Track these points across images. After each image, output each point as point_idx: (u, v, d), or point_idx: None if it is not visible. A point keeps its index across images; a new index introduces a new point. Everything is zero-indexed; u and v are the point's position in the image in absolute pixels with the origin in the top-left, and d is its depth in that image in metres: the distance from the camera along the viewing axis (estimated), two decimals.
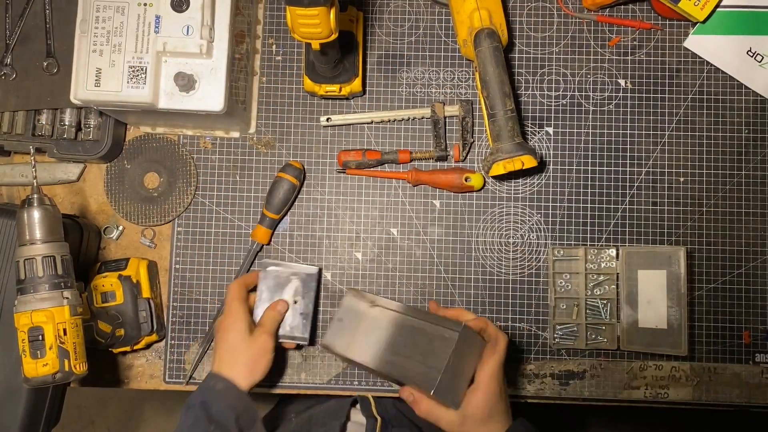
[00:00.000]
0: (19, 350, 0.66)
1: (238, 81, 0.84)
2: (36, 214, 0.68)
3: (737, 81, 0.89)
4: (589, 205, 0.89)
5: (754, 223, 0.88)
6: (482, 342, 0.74)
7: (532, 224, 0.89)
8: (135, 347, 0.86)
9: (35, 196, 0.69)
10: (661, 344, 0.82)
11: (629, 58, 0.90)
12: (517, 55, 0.91)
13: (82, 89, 0.76)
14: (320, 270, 0.88)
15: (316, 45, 0.72)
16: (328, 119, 0.89)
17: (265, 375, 0.77)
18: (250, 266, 0.89)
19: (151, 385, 0.89)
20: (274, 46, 0.92)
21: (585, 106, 0.90)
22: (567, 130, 0.90)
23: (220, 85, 0.78)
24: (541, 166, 0.89)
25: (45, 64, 0.86)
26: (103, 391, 1.81)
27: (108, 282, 0.83)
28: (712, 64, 0.89)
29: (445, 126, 0.88)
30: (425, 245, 0.89)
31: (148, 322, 0.84)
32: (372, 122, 0.90)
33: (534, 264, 0.89)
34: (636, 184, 0.89)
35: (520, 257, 0.89)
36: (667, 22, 0.90)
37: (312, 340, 0.87)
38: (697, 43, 0.88)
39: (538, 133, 0.90)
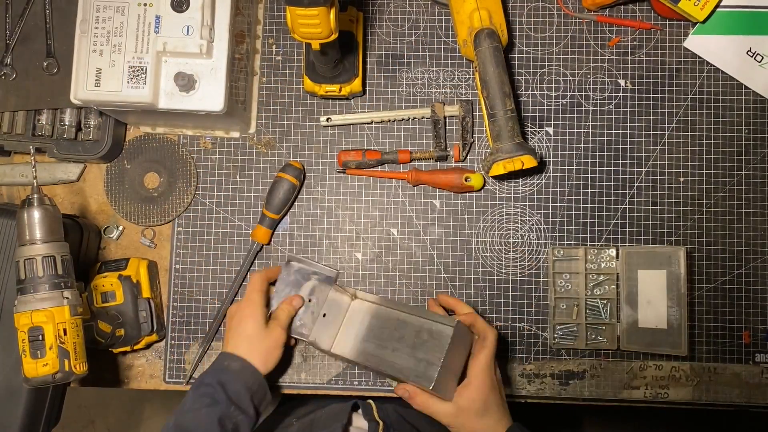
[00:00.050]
0: (19, 350, 0.66)
1: (238, 81, 0.84)
2: (36, 214, 0.68)
3: (737, 81, 0.89)
4: (589, 205, 0.89)
5: (754, 223, 0.88)
6: (472, 336, 0.77)
7: (532, 224, 0.89)
8: (135, 347, 0.86)
9: (35, 196, 0.69)
10: (661, 344, 0.82)
11: (629, 58, 0.90)
12: (517, 55, 0.91)
13: (82, 89, 0.76)
14: (338, 273, 0.88)
15: (316, 45, 0.72)
16: (328, 119, 0.89)
17: (274, 367, 0.79)
18: (250, 266, 0.89)
19: (151, 385, 0.89)
20: (274, 46, 0.92)
21: (585, 106, 0.90)
22: (567, 130, 0.90)
23: (220, 85, 0.78)
24: (541, 166, 0.89)
25: (45, 64, 0.86)
26: (103, 391, 1.81)
27: (108, 282, 0.83)
28: (712, 64, 0.89)
29: (445, 126, 0.88)
30: (425, 245, 0.89)
31: (148, 322, 0.84)
32: (372, 122, 0.90)
33: (534, 264, 0.89)
34: (636, 184, 0.89)
35: (520, 257, 0.89)
36: (667, 22, 0.90)
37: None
38: (697, 43, 0.89)
39: (538, 133, 0.90)
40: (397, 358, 0.77)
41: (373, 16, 0.91)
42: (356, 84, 0.86)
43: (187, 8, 0.76)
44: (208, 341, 0.88)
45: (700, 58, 0.89)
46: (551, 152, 0.89)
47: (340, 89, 0.86)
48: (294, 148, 0.91)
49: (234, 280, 0.88)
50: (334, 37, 0.71)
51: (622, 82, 0.90)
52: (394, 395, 0.87)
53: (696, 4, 0.84)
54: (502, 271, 0.89)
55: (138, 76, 0.76)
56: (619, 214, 0.88)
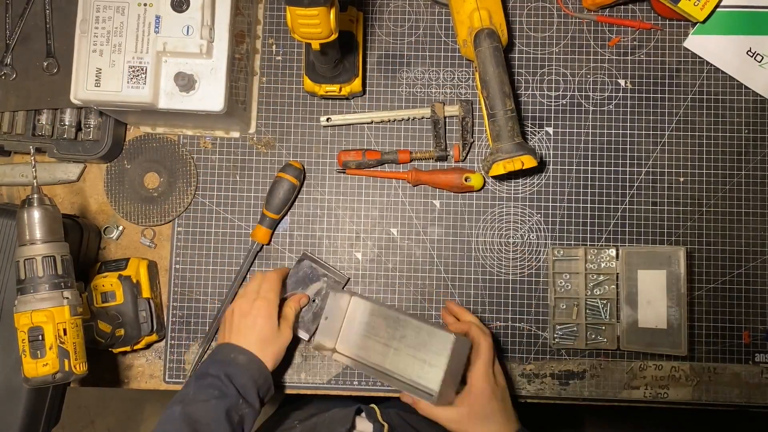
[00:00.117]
0: (19, 350, 0.66)
1: (238, 81, 0.84)
2: (36, 214, 0.68)
3: (737, 81, 0.89)
4: (589, 205, 0.89)
5: (754, 223, 0.88)
6: (469, 343, 0.77)
7: (532, 224, 0.89)
8: (135, 347, 0.86)
9: (35, 196, 0.69)
10: (661, 344, 0.82)
11: (629, 58, 0.90)
12: (517, 55, 0.91)
13: (82, 89, 0.76)
14: (348, 280, 0.89)
15: (316, 45, 0.72)
16: (328, 119, 0.89)
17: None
18: (250, 266, 0.89)
19: (151, 385, 0.89)
20: (274, 46, 0.92)
21: (585, 106, 0.90)
22: (567, 130, 0.90)
23: (220, 85, 0.78)
24: (541, 166, 0.89)
25: (45, 64, 0.86)
26: (103, 391, 1.81)
27: (108, 282, 0.83)
28: (712, 64, 0.89)
29: (445, 126, 0.88)
30: (425, 245, 0.89)
31: (148, 322, 0.84)
32: (372, 122, 0.90)
33: (534, 264, 0.89)
34: (636, 184, 0.89)
35: (520, 257, 0.89)
36: (667, 22, 0.90)
37: (310, 341, 0.88)
38: (697, 43, 0.88)
39: (538, 133, 0.90)
40: (399, 358, 0.77)
41: (373, 16, 0.91)
42: (356, 84, 0.86)
43: (187, 8, 0.76)
44: (208, 341, 0.88)
45: (700, 58, 0.89)
46: (551, 152, 0.89)
47: (340, 89, 0.86)
48: (294, 148, 0.91)
49: (234, 280, 0.88)
50: (334, 37, 0.71)
51: (622, 82, 0.90)
52: (394, 396, 0.87)
53: (696, 4, 0.84)
54: (502, 271, 0.89)
55: (138, 76, 0.76)
56: (619, 214, 0.88)
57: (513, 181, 0.89)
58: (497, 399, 0.75)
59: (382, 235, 0.90)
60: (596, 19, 0.90)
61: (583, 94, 0.90)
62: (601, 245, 0.88)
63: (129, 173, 0.90)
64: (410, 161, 0.89)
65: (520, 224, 0.89)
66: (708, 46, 0.88)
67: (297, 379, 0.88)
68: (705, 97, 0.89)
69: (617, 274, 0.85)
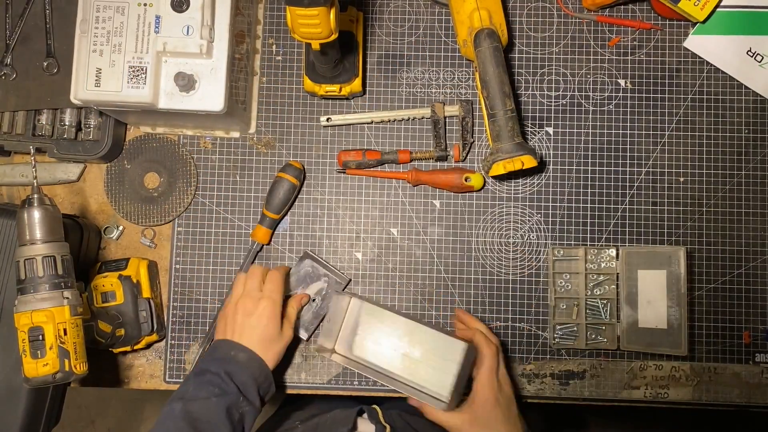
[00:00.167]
0: (20, 350, 0.66)
1: (238, 81, 0.84)
2: (36, 214, 0.68)
3: (737, 81, 0.89)
4: (589, 205, 0.89)
5: (754, 223, 0.88)
6: (474, 349, 0.78)
7: (532, 224, 0.89)
8: (135, 347, 0.86)
9: (35, 196, 0.69)
10: (661, 344, 0.82)
11: (629, 58, 0.90)
12: (517, 55, 0.91)
13: (82, 89, 0.76)
14: (349, 281, 0.89)
15: (316, 45, 0.72)
16: (328, 119, 0.89)
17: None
18: (250, 266, 0.88)
19: (152, 385, 0.89)
20: (274, 46, 0.92)
21: (585, 106, 0.90)
22: (567, 130, 0.90)
23: (220, 85, 0.78)
24: (541, 166, 0.89)
25: (45, 64, 0.86)
26: (103, 391, 1.81)
27: (108, 282, 0.83)
28: (712, 64, 0.89)
29: (445, 126, 0.88)
30: (425, 245, 0.89)
31: (148, 322, 0.84)
32: (372, 122, 0.90)
33: (534, 264, 0.89)
34: (636, 184, 0.89)
35: (520, 257, 0.89)
36: (667, 22, 0.90)
37: (308, 340, 0.88)
38: (697, 43, 0.88)
39: (538, 133, 0.90)
40: (405, 363, 0.79)
41: (373, 16, 0.91)
42: (356, 84, 0.86)
43: (187, 8, 0.76)
44: (208, 341, 0.88)
45: (700, 58, 0.89)
46: (551, 152, 0.89)
47: (340, 89, 0.86)
48: (294, 148, 0.91)
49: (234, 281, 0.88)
50: (334, 37, 0.71)
51: (622, 82, 0.90)
52: (394, 396, 0.87)
53: (696, 4, 0.84)
54: (502, 271, 0.89)
55: (138, 76, 0.76)
56: (619, 214, 0.88)
57: (513, 181, 0.89)
58: (500, 406, 0.75)
59: (382, 235, 0.90)
60: (596, 19, 0.90)
61: (583, 94, 0.90)
62: (601, 245, 0.88)
63: (129, 173, 0.90)
64: (410, 161, 0.89)
65: (520, 224, 0.89)
66: (708, 46, 0.88)
67: (297, 379, 0.88)
68: (705, 97, 0.89)
69: (617, 274, 0.85)
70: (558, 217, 0.89)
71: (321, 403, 0.97)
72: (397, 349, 0.80)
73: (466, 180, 0.86)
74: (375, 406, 0.87)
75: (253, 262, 0.89)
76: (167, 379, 0.89)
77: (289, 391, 0.89)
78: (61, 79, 0.85)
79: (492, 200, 0.89)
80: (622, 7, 0.90)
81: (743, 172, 0.88)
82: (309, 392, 0.88)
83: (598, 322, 0.86)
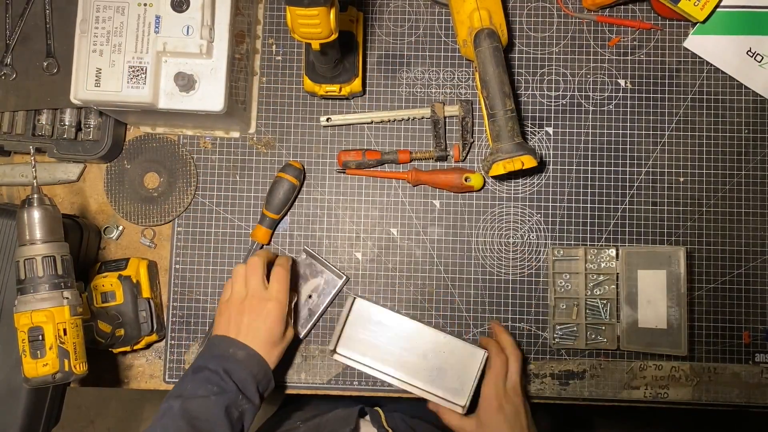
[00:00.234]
0: (19, 350, 0.66)
1: (238, 81, 0.84)
2: (36, 214, 0.68)
3: (737, 81, 0.89)
4: (589, 205, 0.89)
5: (754, 223, 0.88)
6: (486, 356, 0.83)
7: (532, 224, 0.89)
8: (135, 347, 0.86)
9: (35, 196, 0.69)
10: (661, 344, 0.82)
11: (629, 58, 0.90)
12: (517, 55, 0.91)
13: (82, 89, 0.76)
14: (347, 280, 0.89)
15: (316, 45, 0.72)
16: (328, 119, 0.89)
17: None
18: None
19: (151, 385, 0.89)
20: (274, 46, 0.92)
21: (585, 106, 0.90)
22: (567, 130, 0.90)
23: (220, 85, 0.78)
24: (541, 166, 0.89)
25: (45, 64, 0.86)
26: (103, 391, 1.81)
27: (108, 282, 0.83)
28: (711, 64, 0.89)
29: (445, 126, 0.88)
30: (425, 245, 0.89)
31: (148, 322, 0.84)
32: (372, 122, 0.90)
33: (534, 264, 0.89)
34: (636, 184, 0.89)
35: (520, 257, 0.89)
36: (667, 22, 0.90)
37: (303, 338, 0.89)
38: (696, 43, 0.88)
39: (538, 133, 0.90)
40: (418, 368, 0.84)
41: (373, 16, 0.91)
42: (356, 84, 0.86)
43: (187, 8, 0.76)
44: (208, 341, 0.88)
45: (700, 58, 0.89)
46: (551, 152, 0.89)
47: (340, 89, 0.86)
48: (294, 148, 0.91)
49: None
50: (334, 37, 0.71)
51: (622, 82, 0.90)
52: (393, 395, 0.87)
53: (696, 4, 0.84)
54: (502, 271, 0.89)
55: (138, 76, 0.76)
56: (619, 214, 0.88)
57: (513, 181, 0.89)
58: (504, 413, 0.77)
59: (382, 235, 0.90)
60: (596, 19, 0.90)
61: (583, 94, 0.90)
62: (601, 245, 0.88)
63: (129, 173, 0.90)
64: (410, 161, 0.89)
65: (520, 224, 0.89)
66: (708, 46, 0.88)
67: (297, 379, 0.88)
68: (705, 97, 0.89)
69: (617, 274, 0.85)
70: (558, 217, 0.89)
71: (321, 403, 0.97)
72: (407, 353, 0.83)
73: (466, 180, 0.86)
74: (378, 408, 0.87)
75: None
76: (167, 379, 0.89)
77: (288, 391, 0.89)
78: (61, 79, 0.85)
79: (492, 200, 0.89)
80: (622, 7, 0.90)
81: (743, 172, 0.88)
82: (309, 392, 0.88)
83: (598, 322, 0.86)
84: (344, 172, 0.89)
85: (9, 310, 0.70)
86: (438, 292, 0.89)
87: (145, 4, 0.76)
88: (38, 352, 0.65)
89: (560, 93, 0.90)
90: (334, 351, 0.85)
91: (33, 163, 0.71)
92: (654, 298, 0.83)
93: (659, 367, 0.86)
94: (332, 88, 0.85)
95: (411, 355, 0.84)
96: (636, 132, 0.89)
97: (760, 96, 0.88)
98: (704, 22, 0.86)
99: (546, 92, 0.90)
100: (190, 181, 0.90)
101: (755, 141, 0.89)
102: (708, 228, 0.88)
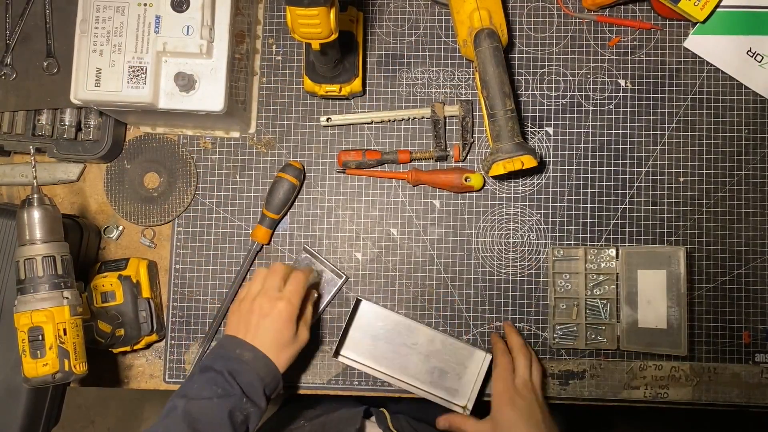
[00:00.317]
0: (19, 350, 0.66)
1: (238, 81, 0.84)
2: (36, 214, 0.68)
3: (737, 81, 0.89)
4: (589, 205, 0.89)
5: (754, 223, 0.88)
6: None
7: (532, 224, 0.89)
8: (135, 347, 0.86)
9: (35, 196, 0.69)
10: (661, 344, 0.82)
11: (629, 58, 0.90)
12: (517, 55, 0.91)
13: (82, 89, 0.76)
14: (346, 280, 0.89)
15: (316, 45, 0.72)
16: (328, 119, 0.89)
17: None
18: (250, 266, 0.89)
19: (151, 385, 0.89)
20: (274, 46, 0.92)
21: (585, 106, 0.90)
22: (567, 130, 0.90)
23: (220, 85, 0.78)
24: (541, 166, 0.89)
25: (45, 64, 0.86)
26: (103, 391, 1.81)
27: (108, 282, 0.83)
28: (712, 64, 0.89)
29: (445, 126, 0.88)
30: (425, 245, 0.89)
31: (148, 322, 0.84)
32: (372, 122, 0.90)
33: (534, 264, 0.89)
34: (636, 184, 0.89)
35: (520, 257, 0.89)
36: (667, 22, 0.90)
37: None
38: (697, 43, 0.88)
39: (538, 133, 0.90)
40: (420, 370, 0.84)
41: (373, 16, 0.91)
42: (356, 84, 0.86)
43: (187, 8, 0.76)
44: (208, 341, 0.88)
45: (700, 58, 0.89)
46: (551, 152, 0.89)
47: (340, 89, 0.86)
48: (294, 148, 0.91)
49: (234, 280, 0.88)
50: (334, 37, 0.71)
51: (622, 82, 0.90)
52: (394, 396, 0.87)
53: (696, 4, 0.84)
54: (502, 271, 0.89)
55: (138, 76, 0.76)
56: (619, 214, 0.88)
57: (513, 181, 0.89)
58: (517, 408, 0.77)
59: (382, 235, 0.90)
60: (596, 19, 0.90)
61: (583, 94, 0.90)
62: (601, 245, 0.88)
63: (129, 173, 0.90)
64: (410, 161, 0.89)
65: (520, 224, 0.89)
66: (708, 46, 0.88)
67: (297, 379, 0.88)
68: (705, 97, 0.89)
69: (617, 274, 0.85)
70: (558, 217, 0.89)
71: (325, 403, 0.97)
72: (408, 354, 0.84)
73: (466, 180, 0.86)
74: (383, 409, 0.87)
75: (252, 262, 0.89)
76: (167, 379, 0.89)
77: (288, 392, 0.89)
78: (61, 79, 0.85)
79: (492, 200, 0.89)
80: (622, 7, 0.90)
81: (743, 172, 0.88)
82: (309, 392, 0.88)
83: (597, 322, 0.86)
84: (344, 172, 0.89)
85: (9, 310, 0.70)
86: (438, 292, 0.89)
87: (145, 4, 0.76)
88: (38, 352, 0.65)
89: (560, 93, 0.90)
90: (338, 353, 0.85)
91: (33, 163, 0.71)
92: (654, 298, 0.83)
93: (659, 367, 0.86)
94: (332, 88, 0.85)
95: (412, 356, 0.84)
96: (636, 132, 0.89)
97: (760, 96, 0.88)
98: (704, 22, 0.86)
99: (546, 92, 0.90)
100: (190, 181, 0.90)
101: (755, 141, 0.89)
102: (708, 228, 0.88)
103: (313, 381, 0.88)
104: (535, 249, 0.89)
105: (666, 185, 0.89)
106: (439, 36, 0.91)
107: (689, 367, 0.86)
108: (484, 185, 0.88)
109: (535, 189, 0.89)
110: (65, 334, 0.66)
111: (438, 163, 0.89)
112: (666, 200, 0.88)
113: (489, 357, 0.83)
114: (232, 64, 0.80)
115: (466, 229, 0.89)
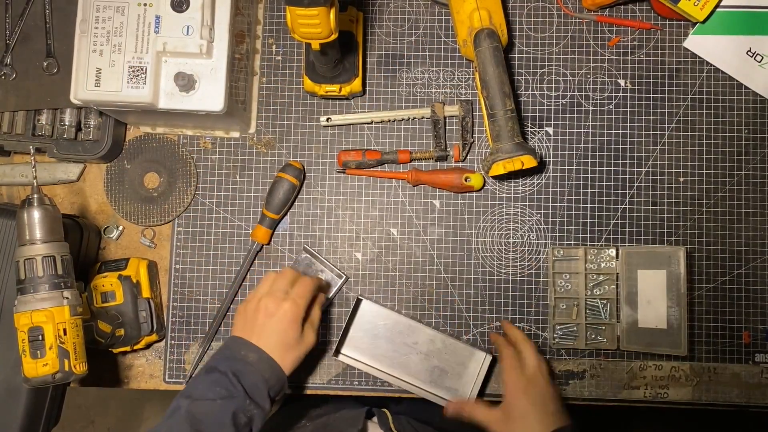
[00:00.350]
0: (19, 350, 0.66)
1: (238, 81, 0.84)
2: (36, 214, 0.68)
3: (737, 81, 0.89)
4: (589, 205, 0.89)
5: (754, 223, 0.88)
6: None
7: (532, 224, 0.89)
8: (135, 347, 0.86)
9: (35, 196, 0.69)
10: (661, 344, 0.82)
11: (629, 58, 0.90)
12: (517, 55, 0.91)
13: (82, 89, 0.76)
14: (346, 279, 0.88)
15: (316, 45, 0.72)
16: (328, 119, 0.89)
17: None
18: (250, 266, 0.89)
19: (151, 385, 0.89)
20: (274, 46, 0.92)
21: (585, 106, 0.90)
22: (567, 130, 0.90)
23: (220, 85, 0.78)
24: (541, 166, 0.89)
25: (45, 64, 0.86)
26: (103, 391, 1.81)
27: (108, 282, 0.83)
28: (711, 64, 0.89)
29: (445, 126, 0.88)
30: (425, 245, 0.89)
31: (148, 322, 0.84)
32: (372, 122, 0.90)
33: (534, 264, 0.89)
34: (636, 184, 0.89)
35: (520, 257, 0.89)
36: (667, 22, 0.90)
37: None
38: (696, 43, 0.88)
39: (538, 133, 0.90)
40: (410, 363, 0.84)
41: (373, 16, 0.91)
42: (356, 84, 0.86)
43: (187, 8, 0.76)
44: (208, 341, 0.88)
45: (700, 58, 0.89)
46: (551, 152, 0.89)
47: (340, 89, 0.86)
48: (294, 148, 0.91)
49: (234, 280, 0.88)
50: (334, 37, 0.71)
51: (622, 82, 0.90)
52: (394, 395, 0.88)
53: (696, 4, 0.84)
54: (502, 271, 0.89)
55: (138, 76, 0.76)
56: (619, 214, 0.88)
57: (513, 181, 0.89)
58: (529, 396, 0.77)
59: (382, 235, 0.90)
60: (596, 19, 0.90)
61: (583, 94, 0.90)
62: (601, 245, 0.88)
63: (129, 173, 0.90)
64: (410, 161, 0.89)
65: (520, 224, 0.89)
66: (708, 46, 0.88)
67: (297, 379, 0.88)
68: (705, 97, 0.89)
69: (617, 274, 0.85)
70: (558, 217, 0.89)
71: (328, 403, 0.97)
72: (409, 353, 0.84)
73: (466, 180, 0.86)
74: (385, 410, 0.87)
75: (253, 262, 0.89)
76: (167, 379, 0.89)
77: (288, 392, 0.89)
78: (61, 79, 0.85)
79: (492, 200, 0.89)
80: (622, 7, 0.90)
81: (743, 172, 0.88)
82: (309, 392, 0.88)
83: (597, 322, 0.86)
84: (344, 172, 0.89)
85: (9, 310, 0.70)
86: (438, 292, 0.89)
87: (145, 4, 0.76)
88: (38, 352, 0.65)
89: (560, 93, 0.90)
90: (338, 352, 0.85)
91: (33, 163, 0.71)
92: (654, 298, 0.83)
93: (659, 367, 0.86)
94: (332, 88, 0.85)
95: (412, 355, 0.84)
96: (636, 132, 0.89)
97: (760, 96, 0.88)
98: (704, 22, 0.86)
99: (546, 92, 0.90)
100: (190, 181, 0.90)
101: (755, 141, 0.89)
102: (708, 228, 0.88)
103: (313, 381, 0.88)
104: (535, 249, 0.89)
105: (666, 185, 0.89)
106: (439, 36, 0.91)
107: (689, 367, 0.86)
108: (484, 185, 0.88)
109: (535, 189, 0.89)
110: (65, 334, 0.66)
111: (438, 163, 0.89)
112: (666, 200, 0.88)
113: (489, 357, 0.84)
114: (232, 64, 0.80)
115: (466, 229, 0.89)
